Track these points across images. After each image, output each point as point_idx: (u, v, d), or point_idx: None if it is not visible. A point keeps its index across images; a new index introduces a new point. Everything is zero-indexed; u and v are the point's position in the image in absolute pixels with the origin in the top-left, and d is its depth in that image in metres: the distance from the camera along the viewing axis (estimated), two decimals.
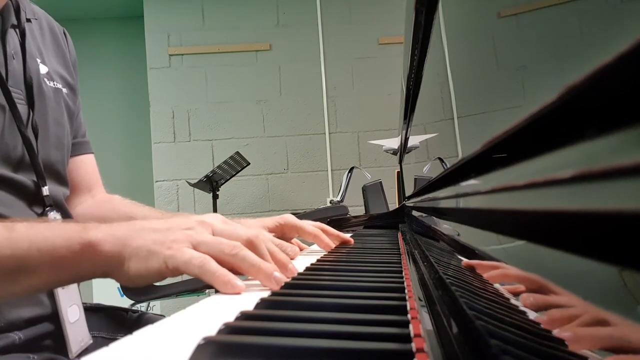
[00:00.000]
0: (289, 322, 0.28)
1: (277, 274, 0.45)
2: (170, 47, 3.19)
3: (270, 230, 0.76)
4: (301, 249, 0.77)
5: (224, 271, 0.43)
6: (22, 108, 0.67)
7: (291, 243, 0.74)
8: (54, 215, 0.69)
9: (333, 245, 0.76)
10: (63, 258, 0.44)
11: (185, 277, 0.52)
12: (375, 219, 1.37)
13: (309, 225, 0.77)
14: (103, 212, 0.84)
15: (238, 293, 0.42)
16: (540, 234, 0.19)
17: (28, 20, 0.74)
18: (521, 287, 0.20)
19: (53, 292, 0.66)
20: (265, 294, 0.37)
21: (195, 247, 0.45)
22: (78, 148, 0.84)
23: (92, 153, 0.88)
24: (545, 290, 0.17)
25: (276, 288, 0.43)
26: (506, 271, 0.23)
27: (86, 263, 0.45)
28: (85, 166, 0.86)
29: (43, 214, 0.68)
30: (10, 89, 0.65)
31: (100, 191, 0.88)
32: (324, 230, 0.77)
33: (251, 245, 0.48)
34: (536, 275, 0.19)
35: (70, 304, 0.68)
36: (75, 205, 0.84)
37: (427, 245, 0.59)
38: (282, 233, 0.77)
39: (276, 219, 0.78)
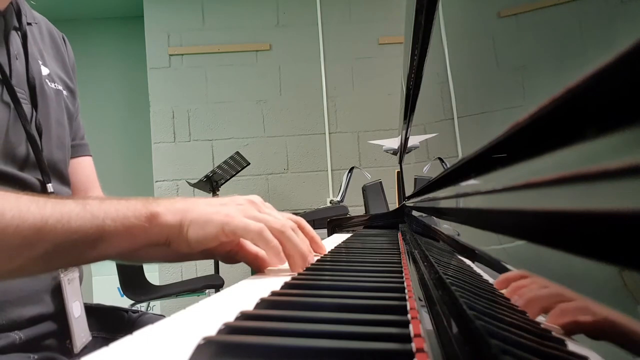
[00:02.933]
0: (289, 322, 0.28)
1: (311, 257, 0.53)
2: (170, 47, 3.20)
3: None
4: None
5: (277, 242, 0.51)
6: (26, 107, 0.67)
7: None
8: None
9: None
10: (134, 227, 0.50)
11: (186, 277, 0.54)
12: (375, 219, 1.37)
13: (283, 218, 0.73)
14: None
15: (281, 264, 0.52)
16: (540, 234, 0.19)
17: (29, 24, 0.74)
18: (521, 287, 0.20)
19: (57, 290, 0.67)
20: (266, 293, 0.37)
21: (247, 218, 0.51)
22: (76, 150, 0.84)
23: (90, 155, 0.89)
24: (545, 290, 0.17)
25: (305, 267, 0.52)
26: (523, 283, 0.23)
27: (153, 231, 0.51)
28: (83, 168, 0.86)
29: None
30: (15, 88, 0.66)
31: (97, 193, 0.88)
32: (299, 226, 0.72)
33: (290, 231, 0.54)
34: (535, 274, 0.19)
35: (74, 300, 0.68)
36: None
37: (427, 245, 0.59)
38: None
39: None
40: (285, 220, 0.55)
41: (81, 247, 0.49)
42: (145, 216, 0.51)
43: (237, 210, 0.53)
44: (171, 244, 0.52)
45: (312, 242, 0.68)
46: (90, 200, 0.51)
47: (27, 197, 0.47)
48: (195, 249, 0.52)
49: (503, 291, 0.22)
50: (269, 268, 0.57)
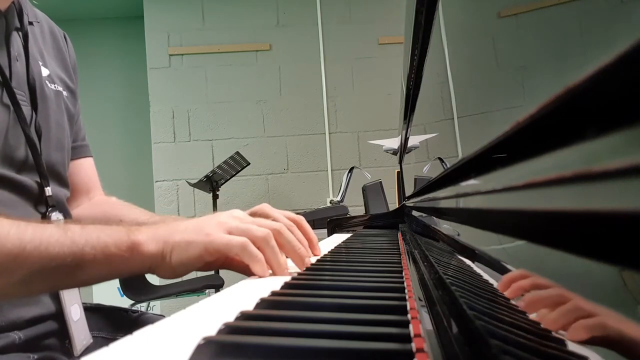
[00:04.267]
0: (288, 322, 0.28)
1: (307, 260, 0.54)
2: (170, 47, 3.19)
3: None
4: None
5: (261, 255, 0.51)
6: (26, 109, 0.67)
7: None
8: (56, 215, 0.69)
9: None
10: (114, 256, 0.50)
11: (185, 277, 0.54)
12: (375, 219, 1.37)
13: (281, 217, 0.73)
14: (94, 215, 0.85)
15: (265, 276, 0.50)
16: (540, 234, 0.19)
17: (30, 23, 0.74)
18: (521, 286, 0.20)
19: (56, 292, 0.67)
20: (266, 293, 0.37)
21: (229, 233, 0.51)
22: (77, 151, 0.84)
23: (91, 156, 0.89)
24: (545, 290, 0.17)
25: (302, 266, 0.54)
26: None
27: (134, 260, 0.50)
28: (84, 169, 0.86)
29: (46, 215, 0.68)
30: (15, 90, 0.65)
31: (98, 194, 0.89)
32: (297, 224, 0.72)
33: (279, 234, 0.54)
34: (535, 274, 0.19)
35: (72, 303, 0.68)
36: (73, 208, 0.84)
37: (427, 245, 0.59)
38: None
39: (253, 209, 0.76)
40: (271, 225, 0.54)
41: (60, 274, 0.49)
42: (127, 245, 0.50)
43: (218, 227, 0.52)
44: (155, 272, 0.52)
45: (309, 242, 0.69)
46: (72, 225, 0.50)
47: (8, 221, 0.47)
48: (180, 274, 0.52)
49: (506, 292, 0.22)
50: None
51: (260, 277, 0.50)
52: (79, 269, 0.49)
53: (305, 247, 0.57)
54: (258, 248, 0.51)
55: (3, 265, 0.45)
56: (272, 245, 0.52)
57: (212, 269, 0.57)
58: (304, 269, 0.54)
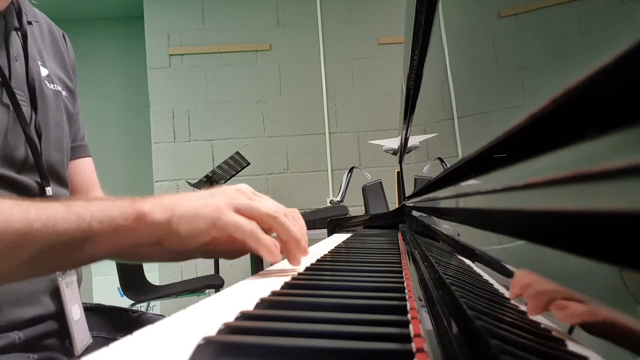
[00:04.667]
0: (289, 322, 0.28)
1: (304, 243, 0.52)
2: (170, 47, 3.19)
3: None
4: None
5: (269, 239, 0.50)
6: (25, 109, 0.67)
7: None
8: None
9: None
10: (121, 227, 0.49)
11: (186, 277, 0.54)
12: (375, 219, 1.37)
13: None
14: None
15: (276, 261, 0.50)
16: (540, 234, 0.19)
17: (29, 23, 0.74)
18: (520, 287, 0.20)
19: (55, 291, 0.67)
20: (266, 293, 0.37)
21: (237, 210, 0.51)
22: (77, 151, 0.85)
23: (91, 156, 0.89)
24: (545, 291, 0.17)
25: (302, 255, 0.52)
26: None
27: (141, 230, 0.50)
28: (84, 169, 0.87)
29: None
30: (14, 90, 0.65)
31: (97, 194, 0.89)
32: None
33: (284, 215, 0.53)
34: (535, 274, 0.19)
35: (73, 303, 0.68)
36: None
37: (427, 245, 0.59)
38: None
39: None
40: (278, 206, 0.54)
41: (68, 250, 0.48)
42: (133, 216, 0.49)
43: (226, 201, 0.51)
44: (164, 242, 0.51)
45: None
46: (75, 201, 0.50)
47: (9, 202, 0.46)
48: (189, 245, 0.51)
49: (497, 286, 0.22)
50: (267, 269, 0.57)
51: (271, 262, 0.50)
52: (88, 244, 0.48)
53: (302, 235, 0.55)
54: (267, 225, 0.51)
55: (12, 244, 0.45)
56: (282, 220, 0.51)
57: (223, 249, 0.56)
58: (299, 265, 0.53)
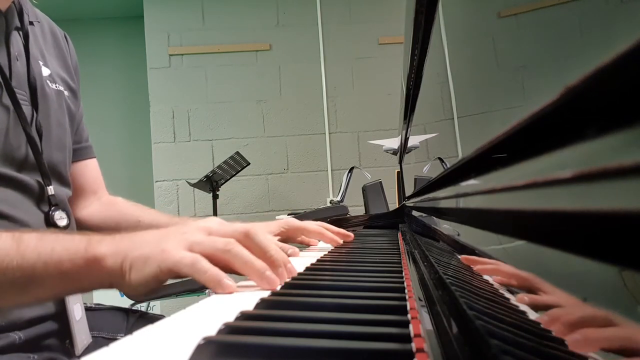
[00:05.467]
0: (289, 322, 0.28)
1: (269, 273, 0.44)
2: (170, 47, 3.19)
3: (275, 235, 0.77)
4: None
5: (215, 270, 0.43)
6: (26, 109, 0.67)
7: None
8: (59, 214, 0.69)
9: (338, 239, 0.77)
10: (68, 271, 0.46)
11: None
12: (375, 219, 1.37)
13: (311, 224, 0.78)
14: (111, 215, 0.86)
15: (230, 293, 0.42)
16: (540, 234, 0.19)
17: (31, 23, 0.74)
18: (518, 285, 0.20)
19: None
20: (266, 293, 0.37)
21: (189, 249, 0.45)
22: (82, 153, 0.86)
23: (95, 157, 0.90)
24: (544, 290, 0.17)
25: (267, 287, 0.43)
26: (501, 268, 0.23)
27: (92, 276, 0.46)
28: (90, 170, 0.88)
29: (49, 214, 0.68)
30: (15, 89, 0.66)
31: (104, 194, 0.90)
32: (325, 228, 0.79)
33: (247, 237, 0.47)
34: (533, 275, 0.19)
35: (75, 302, 0.68)
36: (82, 208, 0.85)
37: (427, 245, 0.59)
38: (287, 236, 0.79)
39: (279, 223, 0.80)
40: (240, 229, 0.48)
41: (9, 290, 0.45)
42: (84, 261, 0.46)
43: (178, 240, 0.46)
44: (117, 288, 0.47)
45: (338, 234, 0.68)
46: (27, 236, 0.47)
47: None
48: (142, 293, 0.46)
49: (497, 286, 0.22)
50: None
51: (220, 293, 0.42)
52: (31, 286, 0.46)
53: (281, 260, 0.47)
54: (222, 262, 0.44)
55: None
56: (236, 251, 0.44)
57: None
58: (285, 280, 0.46)
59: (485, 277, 0.26)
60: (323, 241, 0.79)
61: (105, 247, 0.47)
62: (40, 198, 0.68)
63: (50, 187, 0.69)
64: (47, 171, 0.68)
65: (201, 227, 0.48)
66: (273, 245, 0.48)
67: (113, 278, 0.46)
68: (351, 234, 0.82)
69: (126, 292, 0.47)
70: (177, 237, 0.46)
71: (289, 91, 3.23)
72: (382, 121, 3.13)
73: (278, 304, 0.34)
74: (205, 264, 0.43)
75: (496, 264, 0.24)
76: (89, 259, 0.46)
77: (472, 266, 0.30)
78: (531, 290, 0.19)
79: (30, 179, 0.67)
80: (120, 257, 0.46)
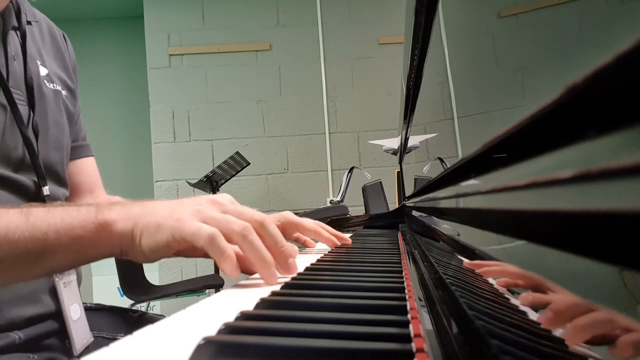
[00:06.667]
0: (289, 322, 0.28)
1: (274, 269, 0.45)
2: (170, 47, 3.20)
3: None
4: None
5: (232, 252, 0.43)
6: (23, 109, 0.67)
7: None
8: None
9: (334, 240, 0.77)
10: (80, 238, 0.46)
11: (186, 277, 0.52)
12: (375, 219, 1.37)
13: (308, 221, 0.78)
14: None
15: (234, 277, 0.43)
16: (540, 234, 0.19)
17: (28, 22, 0.74)
18: (519, 284, 0.20)
19: (55, 290, 0.67)
20: (266, 293, 0.37)
21: (204, 222, 0.45)
22: (79, 151, 0.85)
23: (93, 156, 0.89)
24: (544, 289, 0.17)
25: (272, 282, 0.44)
26: (501, 268, 0.23)
27: (103, 242, 0.47)
28: (87, 169, 0.87)
29: None
30: (11, 89, 0.65)
31: (101, 193, 0.89)
32: (322, 228, 0.79)
33: (262, 226, 0.47)
34: (535, 274, 0.19)
35: (72, 302, 0.68)
36: None
37: (427, 245, 0.59)
38: (283, 230, 0.78)
39: (276, 216, 0.78)
40: (256, 216, 0.47)
41: (23, 262, 0.45)
42: (95, 226, 0.46)
43: (193, 211, 0.46)
44: (127, 254, 0.48)
45: (334, 236, 0.68)
46: (35, 209, 0.47)
47: None
48: (151, 259, 0.46)
49: (497, 286, 0.22)
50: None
51: (228, 276, 0.43)
52: (44, 256, 0.46)
53: (289, 252, 0.47)
54: (234, 243, 0.44)
55: None
56: (252, 239, 0.44)
57: (188, 257, 0.52)
58: (292, 274, 0.47)
59: (482, 272, 0.26)
60: (319, 240, 0.78)
61: (115, 213, 0.47)
62: (35, 199, 0.68)
63: (46, 187, 0.68)
64: (42, 171, 0.68)
65: (216, 202, 0.49)
66: (282, 238, 0.48)
67: (124, 243, 0.46)
68: (348, 238, 0.80)
69: (136, 258, 0.47)
70: (192, 207, 0.47)
71: (289, 91, 3.24)
72: (382, 121, 3.13)
73: (278, 303, 0.34)
74: (224, 243, 0.43)
75: (496, 265, 0.24)
76: (100, 223, 0.46)
77: (474, 270, 0.30)
78: (531, 290, 0.19)
79: (27, 179, 0.66)
80: (131, 222, 0.46)
